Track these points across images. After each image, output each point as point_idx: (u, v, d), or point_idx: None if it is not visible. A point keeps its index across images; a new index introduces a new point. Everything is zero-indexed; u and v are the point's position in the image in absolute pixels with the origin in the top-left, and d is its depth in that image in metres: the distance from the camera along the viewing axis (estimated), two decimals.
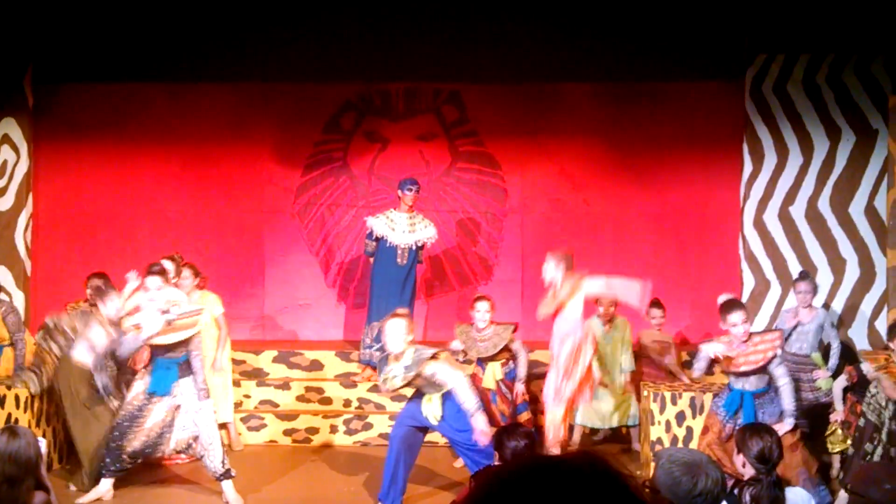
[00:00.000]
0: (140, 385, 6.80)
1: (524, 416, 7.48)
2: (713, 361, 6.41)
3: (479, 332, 7.52)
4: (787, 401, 6.14)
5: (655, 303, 8.34)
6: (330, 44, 9.31)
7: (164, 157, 9.72)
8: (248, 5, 9.11)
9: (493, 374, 7.45)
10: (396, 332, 6.39)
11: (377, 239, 8.51)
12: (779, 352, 6.24)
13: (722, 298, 6.73)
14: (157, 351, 6.75)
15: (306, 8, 9.15)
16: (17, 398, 7.19)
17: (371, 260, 8.71)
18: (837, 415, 7.20)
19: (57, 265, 9.51)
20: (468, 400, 6.20)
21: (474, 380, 6.96)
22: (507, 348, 7.51)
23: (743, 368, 6.17)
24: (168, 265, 7.40)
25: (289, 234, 9.78)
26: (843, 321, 8.84)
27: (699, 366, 6.49)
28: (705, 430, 6.42)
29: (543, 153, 9.74)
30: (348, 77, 9.59)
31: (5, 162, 9.28)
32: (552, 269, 7.27)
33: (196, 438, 6.76)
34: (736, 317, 6.20)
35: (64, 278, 9.21)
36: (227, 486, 6.79)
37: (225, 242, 9.62)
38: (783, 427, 6.05)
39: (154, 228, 9.62)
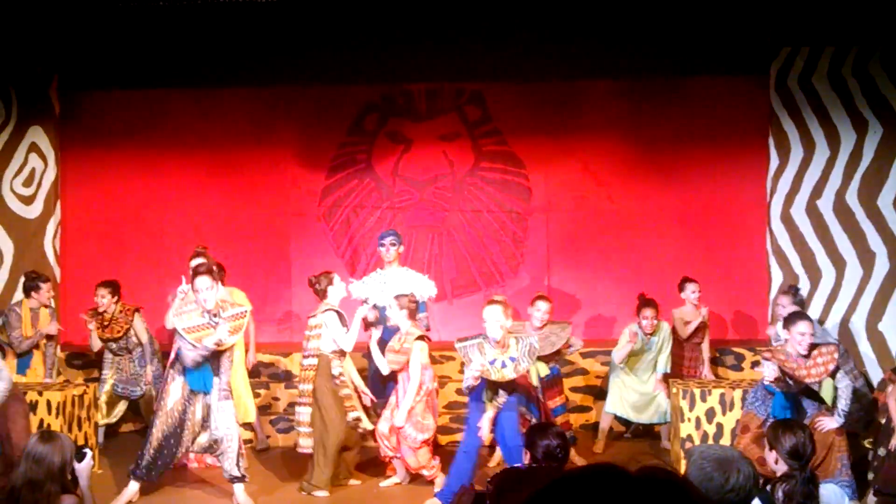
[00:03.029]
0: (177, 389, 6.76)
1: (560, 419, 7.49)
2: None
3: (536, 330, 7.55)
4: (843, 402, 6.13)
5: (690, 279, 8.29)
6: (351, 46, 9.33)
7: (190, 162, 9.79)
8: (269, 10, 9.13)
9: (536, 371, 7.45)
10: (494, 317, 6.42)
11: (374, 306, 7.66)
12: (840, 363, 6.22)
13: (791, 310, 6.91)
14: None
15: (327, 11, 9.17)
16: (48, 403, 7.26)
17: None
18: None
19: (86, 271, 9.57)
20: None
21: (522, 378, 6.94)
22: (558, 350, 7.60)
23: (808, 381, 6.14)
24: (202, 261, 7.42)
25: (314, 237, 9.81)
26: (873, 315, 8.75)
27: (768, 374, 6.41)
28: (745, 429, 6.38)
29: (567, 151, 9.72)
30: (370, 78, 9.61)
31: (33, 170, 9.38)
32: (395, 315, 7.16)
33: (217, 441, 6.75)
34: (804, 326, 6.22)
35: (93, 284, 9.24)
36: (238, 488, 6.78)
37: (251, 246, 9.66)
38: (832, 422, 6.03)
39: (181, 233, 9.68)
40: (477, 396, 6.65)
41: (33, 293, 8.14)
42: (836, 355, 6.21)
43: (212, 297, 6.58)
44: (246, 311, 6.85)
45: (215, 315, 6.61)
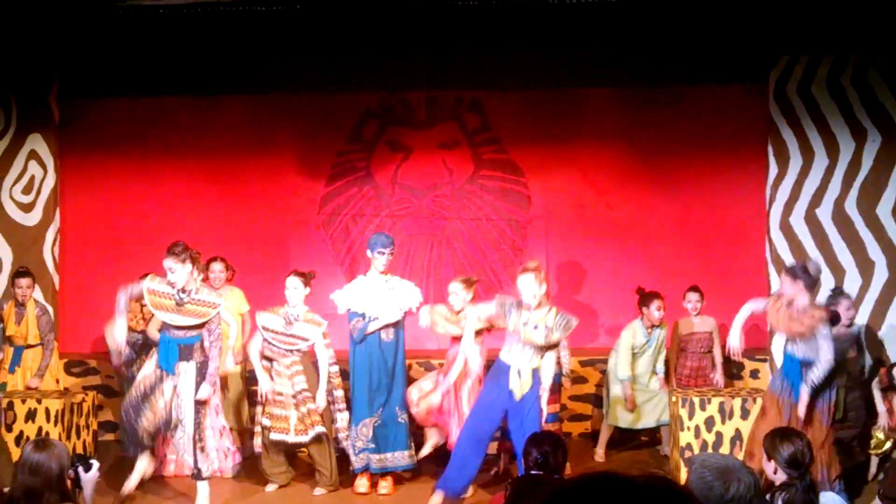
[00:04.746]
0: (151, 364, 6.81)
1: (552, 427, 7.48)
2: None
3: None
4: (816, 373, 6.16)
5: (693, 288, 8.28)
6: (350, 54, 9.35)
7: (189, 169, 9.79)
8: (269, 18, 9.15)
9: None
10: (528, 286, 6.55)
11: (362, 315, 7.30)
12: (824, 326, 6.20)
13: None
14: (165, 328, 6.79)
15: (326, 19, 9.19)
16: (47, 411, 7.25)
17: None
18: (881, 417, 7.15)
19: (85, 279, 9.58)
20: (548, 378, 6.51)
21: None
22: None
23: (785, 331, 6.21)
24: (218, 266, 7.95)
25: (314, 245, 9.81)
26: (873, 324, 8.75)
27: (736, 327, 6.52)
28: (763, 412, 6.44)
29: (566, 159, 9.72)
30: (369, 87, 9.62)
31: (33, 177, 9.39)
32: (461, 294, 7.35)
33: (176, 427, 6.70)
34: (788, 279, 6.30)
35: (92, 291, 9.27)
36: (199, 489, 6.75)
37: (250, 254, 9.65)
38: (802, 398, 6.09)
39: (179, 241, 9.65)
40: (493, 377, 6.65)
41: (12, 287, 8.25)
42: (822, 317, 6.19)
43: (181, 277, 6.68)
44: (217, 304, 6.76)
45: (183, 291, 6.67)
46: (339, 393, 7.41)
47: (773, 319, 6.40)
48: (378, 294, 7.29)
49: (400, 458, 7.27)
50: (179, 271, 6.65)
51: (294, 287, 7.36)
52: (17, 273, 8.38)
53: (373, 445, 7.18)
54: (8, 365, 8.19)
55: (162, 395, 6.71)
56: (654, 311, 7.96)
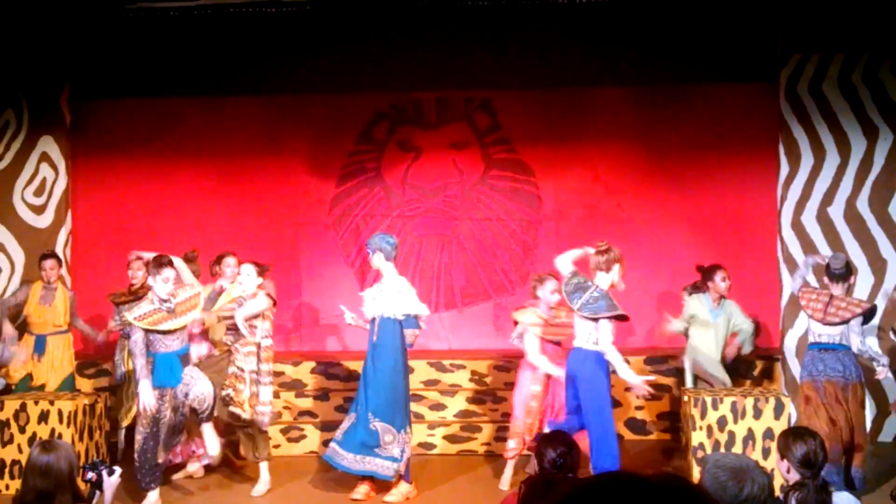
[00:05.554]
0: (146, 390, 6.65)
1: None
2: None
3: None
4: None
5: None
6: (361, 54, 9.36)
7: (200, 170, 9.81)
8: (279, 19, 9.18)
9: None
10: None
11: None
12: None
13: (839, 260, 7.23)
14: (157, 344, 6.73)
15: (337, 19, 9.21)
16: (60, 413, 7.28)
17: None
18: None
19: (97, 280, 9.60)
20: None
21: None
22: None
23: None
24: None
25: (324, 246, 9.82)
26: (885, 323, 8.70)
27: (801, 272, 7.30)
28: (807, 399, 6.63)
29: (577, 159, 9.71)
30: (380, 87, 9.63)
31: (44, 179, 9.43)
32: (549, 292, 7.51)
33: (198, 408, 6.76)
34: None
35: (104, 293, 9.29)
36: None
37: (261, 255, 9.61)
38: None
39: (191, 242, 9.63)
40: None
41: (39, 271, 8.39)
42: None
43: (168, 287, 6.75)
44: (199, 292, 6.94)
45: (165, 301, 6.72)
46: (268, 367, 7.38)
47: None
48: (368, 292, 7.36)
49: (371, 463, 7.03)
50: (159, 282, 6.75)
51: (247, 274, 7.44)
52: (43, 256, 8.43)
53: (340, 438, 7.11)
54: (30, 353, 8.23)
55: (166, 415, 6.71)
56: (720, 282, 7.95)
